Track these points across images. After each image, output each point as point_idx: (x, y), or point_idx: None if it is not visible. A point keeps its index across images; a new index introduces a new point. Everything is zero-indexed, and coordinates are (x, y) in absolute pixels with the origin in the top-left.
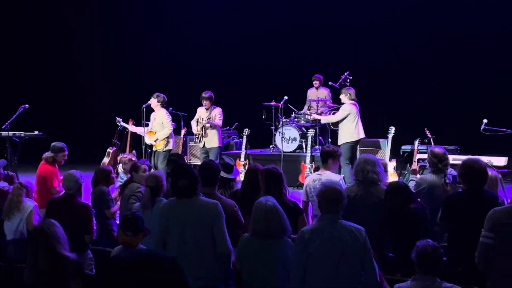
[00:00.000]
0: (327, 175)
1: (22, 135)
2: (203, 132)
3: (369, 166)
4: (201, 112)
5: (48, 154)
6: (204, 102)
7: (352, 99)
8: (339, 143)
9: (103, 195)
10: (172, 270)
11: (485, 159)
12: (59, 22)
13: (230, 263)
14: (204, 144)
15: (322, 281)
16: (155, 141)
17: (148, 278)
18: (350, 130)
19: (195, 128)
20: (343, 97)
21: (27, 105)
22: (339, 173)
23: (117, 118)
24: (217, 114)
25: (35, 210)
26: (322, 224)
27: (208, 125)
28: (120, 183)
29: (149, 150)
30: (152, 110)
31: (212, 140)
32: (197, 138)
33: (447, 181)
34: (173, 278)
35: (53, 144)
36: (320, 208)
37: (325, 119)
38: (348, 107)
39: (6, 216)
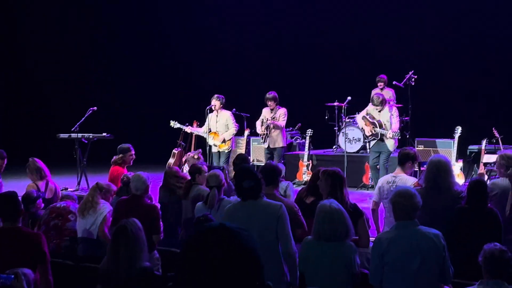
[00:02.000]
0: (402, 179)
1: (91, 136)
2: (268, 132)
3: (441, 177)
4: (266, 113)
5: (116, 157)
6: (269, 103)
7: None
8: (391, 149)
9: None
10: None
11: None
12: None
13: (297, 266)
14: (268, 144)
15: (401, 286)
16: (222, 141)
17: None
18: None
19: (260, 128)
20: (380, 108)
21: (95, 108)
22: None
23: (171, 121)
24: (281, 114)
25: (108, 215)
26: (399, 232)
27: (272, 125)
28: None
29: (213, 151)
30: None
31: (277, 140)
32: (262, 138)
33: None
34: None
35: (119, 146)
36: (395, 215)
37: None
38: None
39: (80, 214)
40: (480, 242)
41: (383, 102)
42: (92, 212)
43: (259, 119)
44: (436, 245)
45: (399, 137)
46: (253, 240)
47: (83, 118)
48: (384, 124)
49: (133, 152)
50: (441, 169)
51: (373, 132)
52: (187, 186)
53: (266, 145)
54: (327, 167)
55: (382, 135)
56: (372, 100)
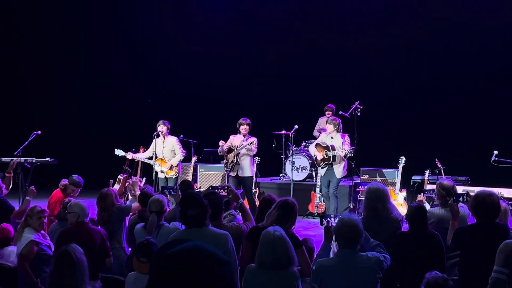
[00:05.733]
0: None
1: (34, 161)
2: (236, 160)
3: (380, 204)
4: (235, 140)
5: (65, 182)
6: (242, 127)
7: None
8: (339, 176)
9: (124, 209)
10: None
11: (495, 190)
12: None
13: None
14: (236, 173)
15: None
16: (169, 167)
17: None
18: (344, 163)
19: (223, 149)
20: (332, 127)
21: (39, 132)
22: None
23: (116, 149)
24: (253, 143)
25: (28, 248)
26: (339, 260)
27: (244, 150)
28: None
29: (159, 177)
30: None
31: (246, 169)
32: (227, 166)
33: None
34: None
35: (72, 176)
36: (338, 242)
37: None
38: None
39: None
40: (424, 266)
41: (336, 126)
42: (18, 242)
43: (226, 144)
44: (375, 271)
45: (352, 154)
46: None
47: (26, 142)
48: (337, 149)
49: (79, 189)
50: (380, 197)
51: (325, 156)
52: (140, 214)
53: (234, 174)
54: (269, 194)
55: (334, 156)
56: (326, 120)
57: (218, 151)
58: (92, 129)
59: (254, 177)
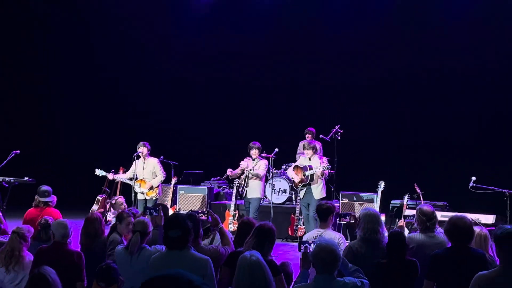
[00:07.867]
0: (328, 234)
1: (12, 180)
2: (246, 182)
3: (379, 227)
4: (245, 163)
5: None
6: (252, 151)
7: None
8: (318, 198)
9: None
10: None
11: (473, 216)
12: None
13: None
14: (245, 194)
15: None
16: (150, 188)
17: None
18: (322, 184)
19: (233, 174)
20: (311, 152)
21: (18, 151)
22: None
23: (96, 169)
24: (261, 165)
25: None
26: (315, 285)
27: (252, 174)
28: None
29: (139, 199)
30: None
31: (255, 190)
32: (240, 186)
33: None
34: None
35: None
36: (315, 267)
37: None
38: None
39: (5, 267)
40: None
41: (314, 148)
42: (19, 268)
43: (238, 169)
44: None
45: (330, 170)
46: None
47: (4, 162)
48: (314, 168)
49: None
50: (378, 221)
51: (303, 177)
52: (110, 232)
53: (244, 195)
54: (247, 217)
55: (312, 176)
56: (303, 146)
57: (228, 175)
58: (70, 148)
59: (261, 199)
